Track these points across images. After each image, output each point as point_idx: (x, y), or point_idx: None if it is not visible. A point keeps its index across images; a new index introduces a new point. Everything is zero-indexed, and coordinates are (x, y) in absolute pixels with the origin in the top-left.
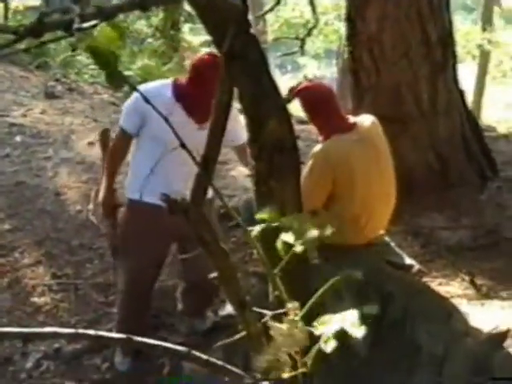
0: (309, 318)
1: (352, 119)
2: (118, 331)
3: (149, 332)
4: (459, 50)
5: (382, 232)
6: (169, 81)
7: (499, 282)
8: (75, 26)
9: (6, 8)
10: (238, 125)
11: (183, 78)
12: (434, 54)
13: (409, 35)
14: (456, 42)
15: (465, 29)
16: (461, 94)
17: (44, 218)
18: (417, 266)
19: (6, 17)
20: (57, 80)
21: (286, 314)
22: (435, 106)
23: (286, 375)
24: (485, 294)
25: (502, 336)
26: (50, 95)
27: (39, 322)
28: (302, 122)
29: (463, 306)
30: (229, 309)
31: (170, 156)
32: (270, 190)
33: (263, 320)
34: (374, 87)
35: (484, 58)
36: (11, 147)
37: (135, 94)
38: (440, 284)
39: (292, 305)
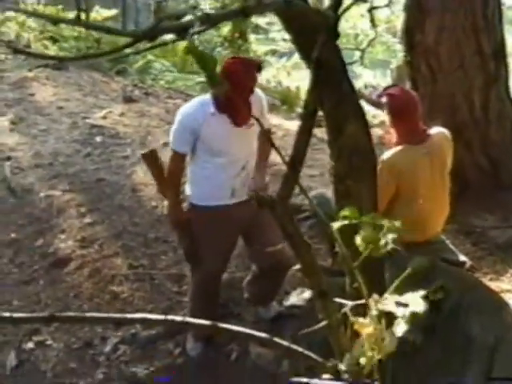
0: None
1: (427, 131)
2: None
3: (218, 321)
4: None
5: (438, 230)
6: (207, 96)
7: None
8: (190, 30)
9: (88, 17)
10: (264, 111)
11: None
12: (488, 65)
13: (464, 47)
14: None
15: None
16: (511, 103)
17: (122, 213)
18: (469, 263)
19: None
20: (134, 85)
21: (365, 305)
22: (487, 115)
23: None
24: None
25: None
26: (128, 99)
27: (117, 309)
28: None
29: None
30: (293, 299)
31: (227, 163)
32: (348, 189)
33: (343, 310)
34: (430, 95)
35: None
36: (92, 147)
37: (179, 117)
38: (491, 279)
39: (373, 297)
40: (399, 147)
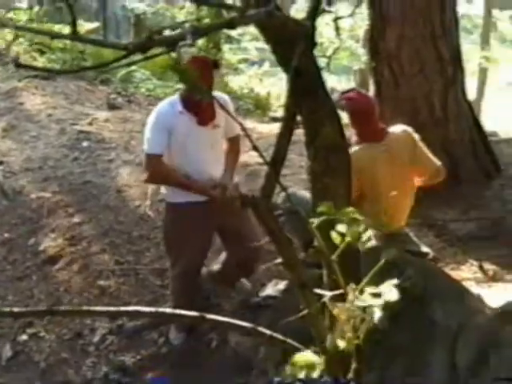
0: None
1: (385, 130)
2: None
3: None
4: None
5: (402, 224)
6: (175, 97)
7: (503, 267)
8: (181, 43)
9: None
10: (231, 114)
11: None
12: (446, 70)
13: (424, 53)
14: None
15: (465, 48)
16: (468, 104)
17: (108, 213)
18: (432, 254)
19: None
20: (118, 93)
21: (342, 295)
22: (446, 115)
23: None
24: (491, 278)
25: (508, 314)
26: (112, 106)
27: (105, 302)
28: None
29: (473, 287)
30: (269, 290)
31: (196, 159)
32: (325, 186)
33: (322, 300)
34: (393, 98)
35: (482, 73)
36: (79, 151)
37: (152, 119)
38: (452, 269)
39: (350, 286)
40: (359, 146)
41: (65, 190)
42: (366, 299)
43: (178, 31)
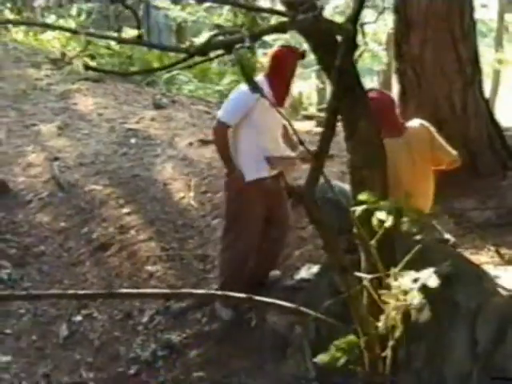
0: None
1: (404, 125)
2: (222, 286)
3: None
4: None
5: (427, 211)
6: (261, 77)
7: None
8: (236, 46)
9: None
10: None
11: (268, 71)
12: (465, 71)
13: (445, 55)
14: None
15: (480, 51)
16: (486, 102)
17: (154, 204)
18: (453, 240)
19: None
20: (162, 94)
21: (380, 279)
22: (466, 113)
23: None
24: (507, 261)
25: None
26: (158, 106)
27: (152, 285)
28: None
29: (490, 270)
30: (302, 274)
31: (271, 139)
32: (363, 178)
33: (362, 283)
34: (416, 97)
35: (496, 74)
36: (128, 147)
37: (241, 92)
38: (471, 254)
39: (393, 271)
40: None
41: (115, 183)
42: (407, 284)
43: (236, 35)
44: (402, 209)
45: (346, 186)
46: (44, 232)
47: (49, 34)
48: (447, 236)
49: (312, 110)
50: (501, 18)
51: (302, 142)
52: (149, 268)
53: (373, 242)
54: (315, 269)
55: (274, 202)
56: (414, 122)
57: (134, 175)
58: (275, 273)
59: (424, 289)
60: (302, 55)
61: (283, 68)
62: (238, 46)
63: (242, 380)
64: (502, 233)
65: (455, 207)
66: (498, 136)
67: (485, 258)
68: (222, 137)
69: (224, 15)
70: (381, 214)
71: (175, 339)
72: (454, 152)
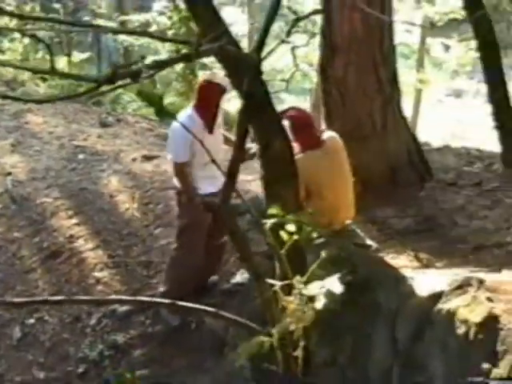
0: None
1: (321, 138)
2: (167, 292)
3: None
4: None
5: (349, 221)
6: (189, 109)
7: (435, 256)
8: (142, 75)
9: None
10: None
11: (196, 102)
12: (384, 90)
13: (366, 77)
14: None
15: (403, 71)
16: (404, 119)
17: (101, 214)
18: (375, 246)
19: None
20: (108, 113)
21: (290, 285)
22: (386, 129)
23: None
24: (425, 265)
25: (438, 295)
26: (104, 124)
27: (99, 290)
28: None
29: (409, 273)
30: (238, 278)
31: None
32: (276, 192)
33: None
34: (341, 115)
35: (418, 92)
36: (76, 163)
37: (177, 129)
38: (392, 258)
39: (296, 279)
40: (303, 154)
41: (64, 196)
42: (312, 290)
43: (139, 65)
44: (303, 223)
45: None
46: None
47: (2, 58)
48: (369, 242)
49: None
50: (422, 42)
51: (214, 161)
52: (96, 274)
53: (283, 252)
54: (246, 274)
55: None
56: (328, 135)
57: (82, 188)
58: (214, 277)
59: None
60: (224, 90)
61: (208, 101)
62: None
63: (183, 378)
64: (419, 239)
65: (377, 215)
66: (416, 150)
67: (404, 262)
68: (183, 174)
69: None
70: (290, 227)
71: (120, 340)
72: None
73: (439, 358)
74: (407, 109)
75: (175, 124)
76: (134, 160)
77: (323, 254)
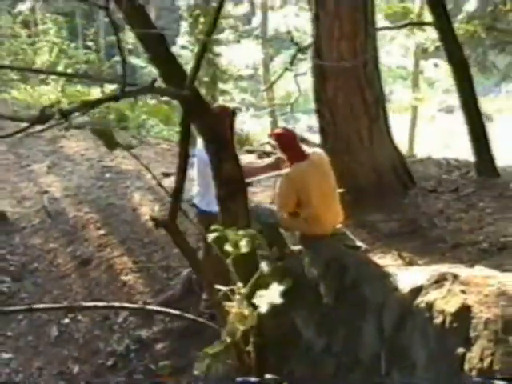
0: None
1: (307, 152)
2: None
3: None
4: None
5: (339, 225)
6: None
7: (417, 254)
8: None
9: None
10: None
11: None
12: (370, 110)
13: (353, 99)
14: (386, 101)
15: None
16: (389, 135)
17: (125, 226)
18: (364, 247)
19: None
20: (133, 136)
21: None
22: (372, 144)
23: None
24: (408, 263)
25: (418, 289)
26: (129, 147)
27: (125, 292)
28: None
29: (393, 270)
30: None
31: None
32: (229, 208)
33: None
34: (333, 133)
35: (414, 109)
36: (104, 181)
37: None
38: (379, 258)
39: (238, 285)
40: (292, 167)
41: (94, 210)
42: (256, 298)
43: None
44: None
45: (273, 207)
46: (36, 252)
47: (41, 89)
48: (359, 243)
49: (256, 145)
50: (416, 64)
51: (160, 184)
52: (122, 278)
53: (228, 261)
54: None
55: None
56: (312, 150)
57: (109, 203)
58: None
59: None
60: (234, 112)
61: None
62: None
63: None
64: (403, 240)
65: (366, 220)
66: (400, 162)
67: (389, 261)
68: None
69: None
70: (236, 239)
71: (144, 335)
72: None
73: (420, 345)
74: (405, 124)
75: (201, 152)
76: (153, 177)
77: (264, 266)
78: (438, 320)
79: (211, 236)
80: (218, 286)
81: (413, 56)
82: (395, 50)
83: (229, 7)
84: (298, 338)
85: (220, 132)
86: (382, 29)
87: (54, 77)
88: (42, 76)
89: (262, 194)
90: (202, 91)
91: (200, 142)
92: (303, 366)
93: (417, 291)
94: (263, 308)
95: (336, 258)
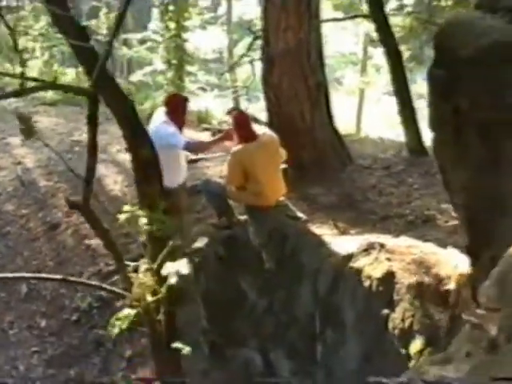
0: None
1: (257, 133)
2: None
3: None
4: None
5: (283, 198)
6: (162, 117)
7: (351, 225)
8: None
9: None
10: None
11: (168, 111)
12: (312, 95)
13: (297, 84)
14: (328, 85)
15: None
16: (330, 117)
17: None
18: (304, 217)
19: None
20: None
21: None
22: (314, 124)
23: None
24: (342, 232)
25: (349, 256)
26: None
27: (89, 255)
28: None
29: (330, 239)
30: (198, 243)
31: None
32: (145, 191)
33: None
34: (278, 114)
35: (361, 92)
36: (72, 153)
37: (167, 128)
38: (317, 227)
39: (144, 261)
40: (241, 146)
41: (62, 180)
42: (164, 270)
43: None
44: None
45: (222, 181)
46: (10, 217)
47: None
48: (300, 214)
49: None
50: (365, 51)
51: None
52: (87, 242)
53: (142, 239)
54: (205, 240)
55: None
56: (263, 131)
57: (76, 174)
58: (178, 242)
59: (279, 252)
60: (187, 99)
61: (177, 109)
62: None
63: None
64: (340, 212)
65: (308, 193)
66: (338, 141)
67: (326, 231)
68: (195, 146)
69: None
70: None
71: (105, 294)
72: (284, 151)
73: (350, 306)
74: (354, 105)
75: (159, 125)
76: (118, 151)
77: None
78: (366, 284)
79: (122, 216)
80: (128, 263)
81: (362, 44)
82: (348, 38)
83: None
84: (243, 300)
85: (134, 119)
86: (326, 20)
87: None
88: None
89: (214, 169)
90: (171, 73)
91: (153, 120)
92: (247, 325)
93: (348, 258)
94: (172, 279)
95: (277, 228)
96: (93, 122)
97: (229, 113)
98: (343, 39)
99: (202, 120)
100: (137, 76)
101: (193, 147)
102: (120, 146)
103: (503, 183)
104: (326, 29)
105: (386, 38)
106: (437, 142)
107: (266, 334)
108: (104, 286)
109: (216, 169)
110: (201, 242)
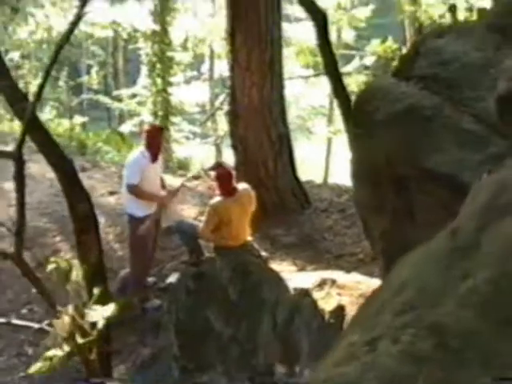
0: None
1: (236, 188)
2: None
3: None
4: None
5: (247, 239)
6: (141, 147)
7: (308, 262)
8: None
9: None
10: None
11: (145, 141)
12: (275, 145)
13: (261, 136)
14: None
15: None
16: (291, 164)
17: None
18: (266, 256)
19: None
20: (87, 161)
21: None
22: (277, 173)
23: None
24: (300, 269)
25: (305, 291)
26: (83, 169)
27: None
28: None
29: (289, 275)
30: (171, 279)
31: (154, 185)
32: (83, 241)
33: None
34: (244, 163)
35: (329, 141)
36: (61, 197)
37: (130, 161)
38: (278, 264)
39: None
40: (220, 198)
41: (52, 221)
42: (94, 316)
43: None
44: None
45: (195, 222)
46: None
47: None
48: (263, 253)
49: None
50: (331, 103)
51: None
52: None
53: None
54: (177, 276)
55: (157, 230)
56: (242, 185)
57: (63, 215)
58: (152, 279)
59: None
60: (163, 129)
61: (153, 139)
62: None
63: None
64: (298, 251)
65: (270, 233)
66: (298, 186)
67: (285, 267)
68: (138, 192)
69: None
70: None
71: None
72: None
73: (306, 336)
74: (322, 153)
75: (130, 156)
76: (101, 195)
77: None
78: (320, 316)
79: (50, 266)
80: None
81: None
82: (317, 93)
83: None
84: (210, 329)
85: (74, 177)
86: (291, 78)
87: None
88: None
89: (189, 211)
90: (158, 122)
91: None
92: (214, 352)
93: (304, 293)
94: (100, 324)
95: (241, 264)
96: (19, 181)
97: (213, 168)
98: (313, 94)
99: (182, 166)
100: (127, 126)
101: (134, 191)
102: (104, 190)
103: (417, 232)
104: (298, 85)
105: (339, 93)
106: (358, 194)
107: (231, 359)
108: (35, 325)
109: (191, 210)
110: (173, 278)
